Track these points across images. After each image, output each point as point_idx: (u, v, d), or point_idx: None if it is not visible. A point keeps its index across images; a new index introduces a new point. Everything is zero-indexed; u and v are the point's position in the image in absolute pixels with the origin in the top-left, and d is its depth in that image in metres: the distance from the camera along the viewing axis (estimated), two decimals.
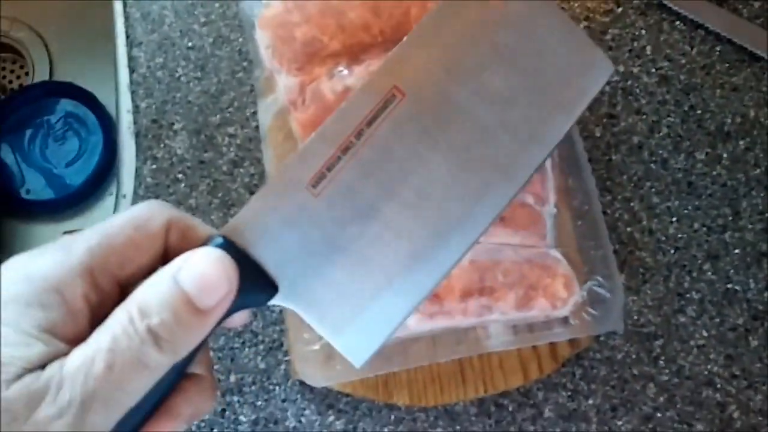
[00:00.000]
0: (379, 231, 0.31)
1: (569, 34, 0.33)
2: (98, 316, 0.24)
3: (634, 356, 0.47)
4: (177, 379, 0.26)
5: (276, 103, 0.48)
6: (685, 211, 0.49)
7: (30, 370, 0.22)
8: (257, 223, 0.30)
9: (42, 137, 0.75)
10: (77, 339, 0.23)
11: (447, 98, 0.32)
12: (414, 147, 0.31)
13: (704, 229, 0.49)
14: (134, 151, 0.51)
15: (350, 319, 0.31)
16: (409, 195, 0.31)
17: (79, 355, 0.23)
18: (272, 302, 0.29)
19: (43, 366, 0.23)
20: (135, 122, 0.52)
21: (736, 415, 0.46)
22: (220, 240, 0.28)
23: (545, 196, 0.44)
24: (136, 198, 0.50)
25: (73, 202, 0.73)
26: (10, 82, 0.77)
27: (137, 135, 0.51)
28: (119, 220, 0.26)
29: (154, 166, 0.51)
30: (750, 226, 0.49)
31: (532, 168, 0.32)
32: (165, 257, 0.26)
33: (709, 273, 0.48)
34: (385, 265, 0.31)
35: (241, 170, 0.51)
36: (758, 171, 0.50)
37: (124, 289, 0.25)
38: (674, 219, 0.49)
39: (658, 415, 0.46)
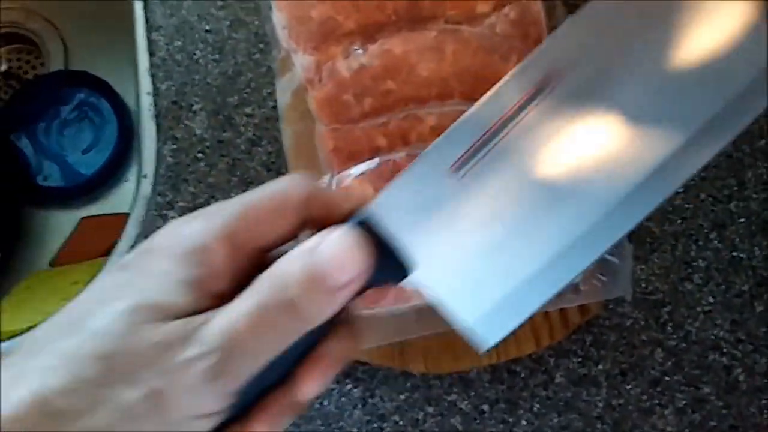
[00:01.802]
0: (519, 220, 0.31)
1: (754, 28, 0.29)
2: (240, 278, 0.27)
3: (642, 323, 0.49)
4: (318, 335, 0.27)
5: (293, 83, 0.49)
6: (692, 182, 0.51)
7: (178, 317, 0.25)
8: (397, 205, 0.30)
9: (58, 126, 0.78)
10: (220, 297, 0.26)
11: (604, 87, 0.30)
12: (562, 136, 0.30)
13: (710, 199, 0.51)
14: (155, 132, 0.53)
15: (481, 306, 0.31)
16: (552, 185, 0.30)
17: (225, 313, 0.25)
18: (404, 283, 0.30)
19: (189, 315, 0.25)
20: (155, 104, 0.53)
21: (741, 378, 0.48)
22: (358, 220, 0.29)
23: None
24: (158, 178, 0.52)
25: (89, 188, 0.75)
26: (26, 72, 0.79)
27: (157, 116, 0.53)
28: (261, 191, 0.28)
29: (174, 146, 0.53)
30: (755, 196, 0.51)
31: (691, 171, 0.29)
32: (305, 227, 0.28)
33: (715, 241, 0.50)
34: (522, 256, 0.31)
35: (259, 149, 0.53)
36: (762, 142, 0.52)
37: (265, 255, 0.28)
38: (681, 190, 0.51)
39: (666, 378, 0.48)
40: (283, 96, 0.49)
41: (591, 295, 0.45)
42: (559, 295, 0.44)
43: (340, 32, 0.48)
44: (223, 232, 0.27)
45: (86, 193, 0.76)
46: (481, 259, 0.31)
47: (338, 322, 0.28)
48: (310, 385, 0.28)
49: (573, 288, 0.44)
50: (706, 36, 0.30)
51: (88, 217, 0.74)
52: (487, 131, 0.31)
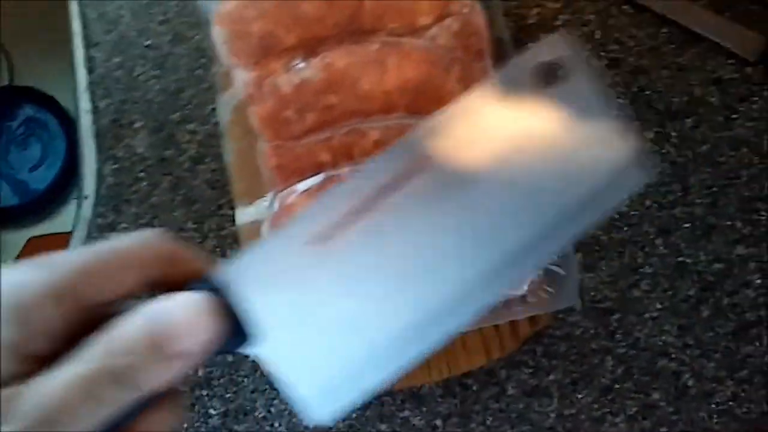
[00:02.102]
0: (367, 298, 0.30)
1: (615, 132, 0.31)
2: (73, 335, 0.24)
3: (592, 331, 0.49)
4: (146, 404, 0.25)
5: (234, 98, 0.48)
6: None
7: None
8: (251, 273, 0.29)
9: (4, 143, 0.76)
10: (46, 359, 0.23)
11: (470, 178, 0.31)
12: (424, 222, 0.31)
13: (655, 205, 0.51)
14: (95, 151, 0.52)
15: (323, 379, 0.30)
16: (407, 269, 0.30)
17: (43, 383, 0.22)
18: (242, 350, 0.29)
19: (7, 382, 0.22)
20: (94, 123, 0.52)
21: (690, 383, 0.48)
22: (209, 285, 0.27)
23: None
24: (99, 198, 0.51)
25: (38, 207, 0.74)
26: None
27: (97, 135, 0.52)
28: (109, 244, 0.25)
29: (115, 166, 0.51)
30: (698, 201, 0.51)
31: (539, 263, 0.31)
32: (153, 287, 0.26)
33: (661, 247, 0.50)
34: (367, 337, 0.30)
35: (203, 167, 0.51)
36: (705, 147, 0.52)
37: (102, 310, 0.25)
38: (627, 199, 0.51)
39: (617, 386, 0.48)
40: (225, 112, 0.49)
41: (539, 307, 0.45)
42: (507, 307, 0.43)
43: (281, 47, 0.47)
44: (54, 286, 0.24)
45: (36, 212, 0.74)
46: (326, 334, 0.30)
47: (163, 393, 0.25)
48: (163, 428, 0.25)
49: (521, 299, 0.44)
50: (564, 141, 0.30)
51: (36, 236, 0.72)
52: (347, 210, 0.30)
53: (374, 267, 0.30)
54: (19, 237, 0.73)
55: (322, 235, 0.30)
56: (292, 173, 0.46)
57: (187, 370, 0.25)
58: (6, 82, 0.79)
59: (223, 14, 0.47)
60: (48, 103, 0.75)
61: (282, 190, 0.46)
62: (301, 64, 0.47)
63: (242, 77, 0.47)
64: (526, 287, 0.44)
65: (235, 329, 0.28)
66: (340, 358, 0.30)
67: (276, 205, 0.45)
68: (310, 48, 0.47)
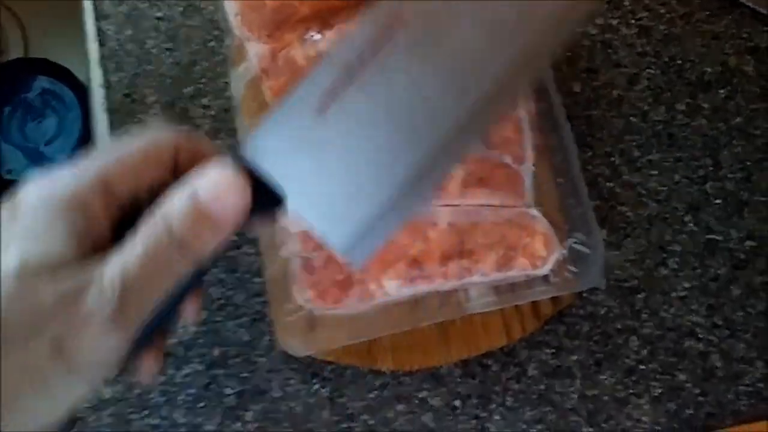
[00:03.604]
0: (375, 149, 0.34)
1: None
2: (116, 227, 0.27)
3: (616, 311, 0.47)
4: (194, 285, 0.29)
5: (248, 72, 0.46)
6: (666, 164, 0.49)
7: (67, 269, 0.25)
8: (268, 143, 0.33)
9: (20, 116, 0.74)
10: (102, 247, 0.26)
11: (443, 26, 0.34)
12: (409, 70, 0.34)
13: (685, 180, 0.48)
14: (108, 126, 0.50)
15: (350, 225, 0.34)
16: (403, 116, 0.34)
17: (118, 259, 0.25)
18: (283, 208, 0.33)
19: (76, 266, 0.25)
20: (107, 97, 0.50)
21: (718, 364, 0.46)
22: (231, 157, 0.30)
23: (523, 155, 0.42)
24: None
25: None
26: None
27: (110, 110, 0.50)
28: (131, 141, 0.28)
29: None
30: (730, 176, 0.48)
31: (513, 91, 0.35)
32: (176, 174, 0.29)
33: (691, 224, 0.48)
34: (382, 180, 0.34)
35: (217, 142, 0.50)
36: (738, 120, 0.49)
37: (139, 203, 0.28)
38: (655, 172, 0.49)
39: (641, 367, 0.46)
40: (239, 87, 0.46)
41: (563, 287, 0.43)
42: (529, 287, 0.41)
43: (295, 18, 0.44)
44: (99, 181, 0.27)
45: None
46: (345, 187, 0.34)
47: (192, 287, 0.29)
48: (193, 319, 0.30)
49: (543, 279, 0.42)
50: None
51: None
52: (344, 71, 0.34)
53: (374, 122, 0.34)
54: None
55: (325, 98, 0.34)
56: None
57: (228, 237, 0.28)
58: (20, 54, 0.77)
59: None
60: (63, 75, 0.73)
61: None
62: (317, 36, 0.44)
63: (255, 50, 0.45)
64: (549, 267, 0.42)
65: (264, 194, 0.32)
66: (358, 206, 0.34)
67: None
68: (324, 19, 0.45)
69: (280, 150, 0.33)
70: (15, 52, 0.77)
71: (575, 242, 0.42)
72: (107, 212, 0.27)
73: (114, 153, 0.28)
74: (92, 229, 0.27)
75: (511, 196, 0.42)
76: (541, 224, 0.42)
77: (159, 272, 0.26)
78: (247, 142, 0.33)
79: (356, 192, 0.34)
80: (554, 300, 0.45)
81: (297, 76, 0.43)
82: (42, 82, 0.76)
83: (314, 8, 0.44)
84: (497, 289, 0.42)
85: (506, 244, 0.41)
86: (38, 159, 0.75)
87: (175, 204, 0.27)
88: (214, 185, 0.28)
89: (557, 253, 0.42)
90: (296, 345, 0.43)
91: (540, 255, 0.41)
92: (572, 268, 0.42)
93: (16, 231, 0.26)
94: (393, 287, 0.41)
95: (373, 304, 0.42)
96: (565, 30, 0.35)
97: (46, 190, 0.26)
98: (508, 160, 0.42)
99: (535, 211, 0.42)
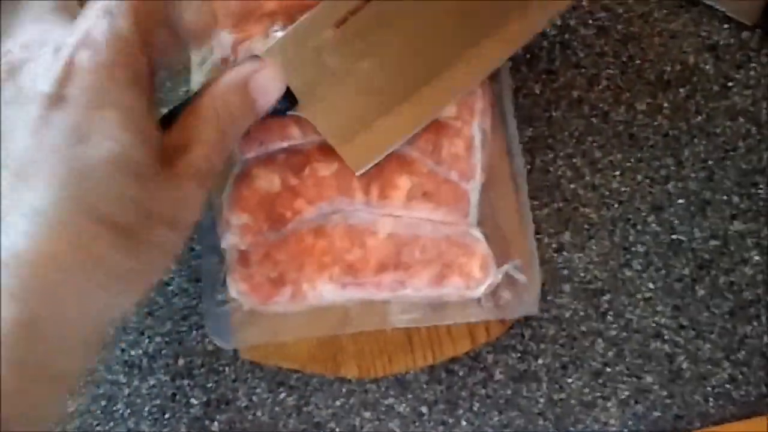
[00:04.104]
0: (385, 65, 0.39)
1: None
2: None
3: (582, 313, 0.45)
4: None
5: (209, 62, 0.45)
6: (628, 164, 0.47)
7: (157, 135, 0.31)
8: (287, 50, 0.38)
9: None
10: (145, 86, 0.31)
11: None
12: (420, 4, 0.40)
13: (647, 180, 0.47)
14: None
15: (354, 133, 0.39)
16: (412, 39, 0.39)
17: (200, 143, 0.32)
18: (292, 112, 0.38)
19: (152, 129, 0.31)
20: None
21: (685, 365, 0.44)
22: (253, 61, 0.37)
23: (471, 173, 0.41)
24: None
25: None
26: None
27: None
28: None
29: None
30: (693, 175, 0.46)
31: (517, 38, 0.42)
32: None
33: (654, 225, 0.46)
34: (386, 93, 0.39)
35: None
36: (699, 118, 0.47)
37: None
38: (617, 173, 0.47)
39: (608, 369, 0.44)
40: (198, 76, 0.44)
41: (494, 312, 0.41)
42: (462, 308, 0.40)
43: (262, 12, 0.43)
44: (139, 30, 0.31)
45: None
46: (350, 97, 0.39)
47: None
48: None
49: (477, 302, 0.41)
50: None
51: None
52: None
53: (386, 40, 0.39)
54: None
55: (343, 17, 0.39)
56: (261, 144, 0.42)
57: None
58: None
59: None
60: None
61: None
62: (279, 31, 0.43)
63: (218, 39, 0.43)
64: (483, 289, 0.40)
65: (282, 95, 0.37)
66: (367, 114, 0.39)
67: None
68: (290, 15, 0.43)
69: (297, 58, 0.38)
70: None
71: (512, 268, 0.40)
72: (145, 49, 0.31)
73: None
74: (155, 35, 0.32)
75: (454, 213, 0.41)
76: (481, 246, 0.40)
77: (226, 147, 0.34)
78: (271, 44, 0.38)
79: (365, 103, 0.39)
80: None
81: None
82: None
83: (281, 4, 0.43)
84: (431, 306, 0.41)
85: (442, 262, 0.40)
86: None
87: (227, 80, 0.34)
88: (263, 82, 0.36)
89: (492, 277, 0.40)
90: (223, 337, 0.41)
91: (475, 276, 0.40)
92: (507, 294, 0.40)
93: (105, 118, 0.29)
94: (326, 291, 0.40)
95: (303, 305, 0.40)
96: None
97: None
98: (455, 177, 0.41)
99: (476, 232, 0.41)
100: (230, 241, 0.41)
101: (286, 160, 0.41)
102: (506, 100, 0.44)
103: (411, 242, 0.40)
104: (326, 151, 0.40)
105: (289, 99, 0.38)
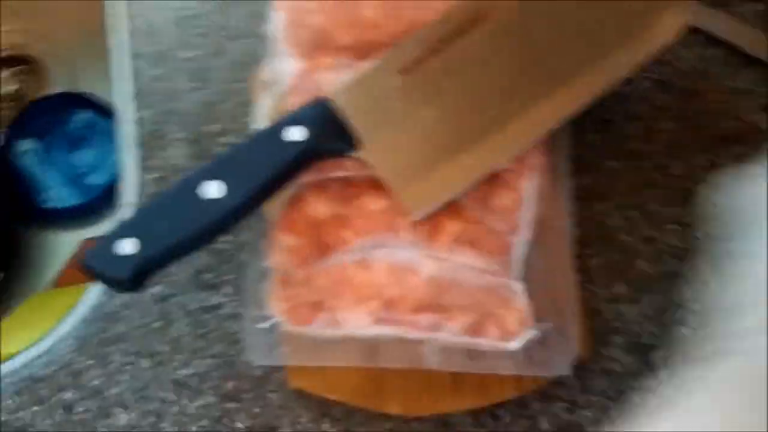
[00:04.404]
0: (448, 115, 0.39)
1: None
2: None
3: (633, 368, 0.44)
4: None
5: (276, 91, 0.45)
6: (686, 219, 0.46)
7: None
8: (353, 93, 0.39)
9: (60, 147, 0.74)
10: None
11: (524, 25, 0.40)
12: (486, 57, 0.39)
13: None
14: (135, 161, 0.49)
15: (414, 180, 0.38)
16: (477, 91, 0.39)
17: None
18: (353, 154, 0.38)
19: None
20: (137, 132, 0.49)
21: None
22: (320, 103, 0.39)
23: (518, 226, 0.41)
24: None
25: (91, 210, 0.71)
26: (29, 93, 0.76)
27: (137, 146, 0.49)
28: None
29: (153, 176, 0.48)
30: None
31: (587, 94, 0.40)
32: None
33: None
34: (448, 142, 0.39)
35: None
36: None
37: None
38: (675, 226, 0.46)
39: None
40: (264, 100, 0.45)
41: (527, 368, 0.40)
42: (494, 359, 0.41)
43: (333, 45, 0.44)
44: None
45: (89, 215, 0.72)
46: (413, 143, 0.39)
47: None
48: None
49: (510, 355, 0.39)
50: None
51: (89, 238, 0.70)
52: (435, 44, 0.39)
53: (452, 91, 0.39)
54: (68, 239, 0.71)
55: (410, 66, 0.39)
56: (317, 169, 0.42)
57: None
58: (66, 88, 0.77)
59: (285, 1, 0.45)
60: (104, 110, 0.73)
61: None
62: (348, 68, 0.43)
63: (288, 66, 0.44)
64: (518, 344, 0.39)
65: (343, 136, 0.38)
66: (428, 163, 0.39)
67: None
68: (362, 51, 0.43)
69: (361, 102, 0.38)
70: (59, 86, 0.77)
71: (550, 327, 0.39)
72: None
73: None
74: None
75: (498, 263, 0.40)
76: (520, 300, 0.40)
77: None
78: (340, 87, 0.39)
79: (426, 151, 0.39)
80: None
81: None
82: (84, 115, 0.76)
83: (355, 39, 0.44)
84: (464, 352, 0.40)
85: (481, 310, 0.39)
86: (75, 190, 0.75)
87: None
88: None
89: (529, 333, 0.39)
90: (258, 353, 0.41)
91: (511, 329, 0.39)
92: (541, 352, 0.40)
93: None
94: (361, 323, 0.40)
95: (338, 333, 0.40)
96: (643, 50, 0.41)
97: None
98: (502, 228, 0.40)
99: (517, 285, 0.40)
100: (275, 261, 0.41)
101: (338, 190, 0.41)
102: (562, 156, 0.44)
103: (451, 286, 0.40)
104: (378, 186, 0.40)
105: (350, 140, 0.38)
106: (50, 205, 0.71)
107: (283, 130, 0.38)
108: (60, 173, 0.73)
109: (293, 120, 0.39)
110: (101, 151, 0.71)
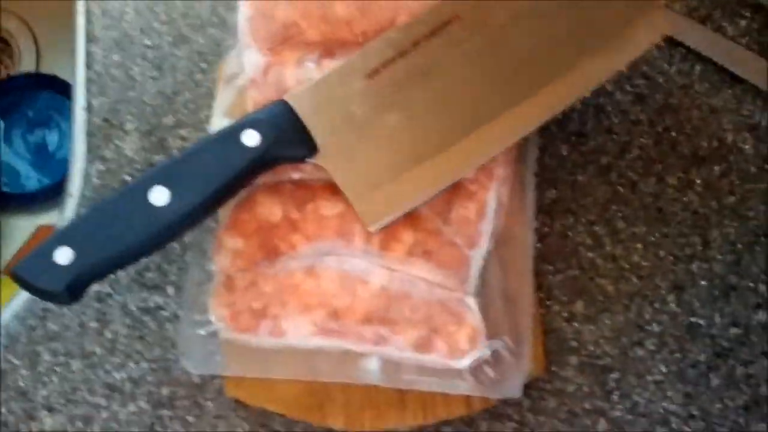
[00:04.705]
0: (413, 121, 0.37)
1: None
2: None
3: (586, 389, 0.42)
4: None
5: (235, 81, 0.43)
6: (652, 238, 0.44)
7: None
8: (314, 96, 0.37)
9: (23, 128, 0.72)
10: None
11: (495, 31, 0.38)
12: (457, 62, 0.37)
13: (671, 257, 0.43)
14: (85, 150, 0.47)
15: (372, 189, 0.36)
16: (444, 97, 0.37)
17: None
18: (311, 160, 0.37)
19: None
20: (88, 120, 0.47)
21: None
22: (280, 103, 0.37)
23: (477, 240, 0.39)
24: (83, 200, 0.46)
25: (50, 195, 0.70)
26: None
27: (88, 133, 0.47)
28: None
29: (102, 167, 0.46)
30: (719, 257, 0.43)
31: (557, 103, 0.38)
32: None
33: (673, 305, 0.43)
34: (411, 151, 0.37)
35: None
36: (732, 199, 0.44)
37: None
38: (639, 245, 0.44)
39: None
40: (225, 95, 0.42)
41: (474, 389, 0.38)
42: (442, 378, 0.38)
43: (302, 39, 0.42)
44: None
45: (48, 200, 0.70)
46: (373, 151, 0.37)
47: None
48: None
49: (458, 374, 0.38)
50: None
51: (45, 225, 0.68)
52: (404, 47, 0.38)
53: (416, 97, 0.37)
54: (28, 224, 0.69)
55: (375, 70, 0.37)
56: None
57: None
58: (32, 68, 0.75)
59: None
60: (70, 92, 0.71)
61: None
62: (313, 65, 0.41)
63: (252, 59, 0.42)
64: (467, 362, 0.37)
65: (301, 139, 0.36)
66: (388, 172, 0.37)
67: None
68: (329, 49, 0.41)
69: (322, 105, 0.37)
70: (27, 66, 0.75)
71: (502, 346, 0.37)
72: None
73: None
74: None
75: (453, 278, 0.38)
76: (473, 317, 0.38)
77: None
78: (299, 90, 0.37)
79: (387, 158, 0.37)
80: None
81: (280, 95, 0.40)
82: (49, 96, 0.74)
83: (323, 35, 0.42)
84: (409, 368, 0.38)
85: (431, 326, 0.37)
86: (36, 173, 0.73)
87: None
88: None
89: (479, 351, 0.37)
90: (194, 359, 0.39)
91: (461, 347, 0.37)
92: (490, 372, 0.38)
93: None
94: (306, 332, 0.38)
95: (281, 343, 0.38)
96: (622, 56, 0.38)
97: None
98: (460, 241, 0.38)
99: (471, 301, 0.38)
100: (220, 263, 0.39)
101: (291, 193, 0.39)
102: (529, 167, 0.42)
103: (402, 299, 0.38)
104: (333, 190, 0.38)
105: (309, 145, 0.36)
106: (8, 190, 0.69)
107: (237, 134, 0.36)
108: (20, 157, 0.71)
109: (249, 123, 0.37)
110: (63, 135, 0.69)
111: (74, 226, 0.35)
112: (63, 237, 0.34)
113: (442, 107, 0.38)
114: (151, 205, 0.34)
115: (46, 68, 0.74)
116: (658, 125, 0.46)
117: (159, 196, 0.35)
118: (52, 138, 0.70)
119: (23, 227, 0.69)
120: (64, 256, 0.33)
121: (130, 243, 0.34)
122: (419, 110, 0.37)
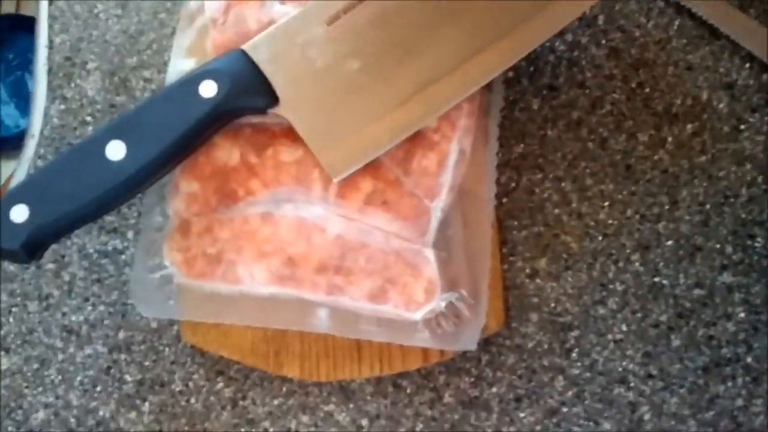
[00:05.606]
0: (375, 68, 0.36)
1: None
2: None
3: (545, 346, 0.41)
4: None
5: (195, 23, 0.41)
6: (619, 196, 0.43)
7: None
8: (273, 44, 0.35)
9: (2, 71, 0.70)
10: None
11: None
12: (417, 8, 0.36)
13: (637, 216, 0.43)
14: (45, 89, 0.45)
15: (335, 138, 0.36)
16: (406, 43, 0.36)
17: None
18: (271, 110, 0.35)
19: None
20: (49, 58, 0.46)
21: (647, 416, 0.40)
22: (238, 52, 0.35)
23: (437, 191, 0.37)
24: (42, 140, 0.45)
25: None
26: None
27: (49, 72, 0.46)
28: None
29: (62, 107, 0.45)
30: (687, 218, 0.42)
31: (521, 48, 0.37)
32: None
33: (637, 264, 0.42)
34: (373, 99, 0.36)
35: None
36: (703, 158, 0.43)
37: None
38: (606, 203, 0.43)
39: (564, 409, 0.41)
40: (184, 36, 0.41)
41: (430, 341, 0.37)
42: (398, 330, 0.38)
43: None
44: None
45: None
46: (340, 101, 0.36)
47: None
48: None
49: (413, 326, 0.37)
50: None
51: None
52: None
53: (375, 43, 0.36)
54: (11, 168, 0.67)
55: (336, 16, 0.36)
56: None
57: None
58: (12, 11, 0.73)
59: None
60: None
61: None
62: (277, 6, 0.39)
63: None
64: (421, 314, 0.36)
65: (261, 89, 0.35)
66: (349, 120, 0.36)
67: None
68: None
69: (282, 54, 0.35)
70: (6, 8, 0.73)
71: (457, 299, 0.36)
72: None
73: None
74: None
75: (411, 229, 0.37)
76: (430, 269, 0.37)
77: None
78: (258, 39, 0.35)
79: (348, 105, 0.36)
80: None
81: (241, 38, 0.38)
82: (27, 38, 0.71)
83: None
84: (363, 319, 0.37)
85: (386, 276, 0.37)
86: (22, 112, 0.71)
87: None
88: None
89: (434, 304, 0.36)
90: (147, 303, 0.38)
91: (416, 299, 0.37)
92: (446, 325, 0.37)
93: None
94: (261, 279, 0.37)
95: (235, 289, 0.38)
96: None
97: None
98: (420, 191, 0.37)
99: (429, 253, 0.37)
100: (175, 207, 0.38)
101: (250, 136, 0.38)
102: (493, 119, 0.40)
103: (358, 249, 0.37)
104: (293, 136, 0.37)
105: (269, 96, 0.35)
106: None
107: (194, 85, 0.35)
108: (1, 99, 0.69)
109: (206, 74, 0.35)
110: None
111: (30, 183, 0.34)
112: (19, 194, 0.33)
113: (403, 54, 0.36)
114: (107, 160, 0.33)
115: (28, 10, 0.72)
116: (631, 81, 0.44)
117: (115, 150, 0.33)
118: (30, 82, 0.69)
119: (4, 172, 0.67)
120: (20, 213, 0.32)
121: (86, 199, 0.33)
122: (380, 57, 0.36)
